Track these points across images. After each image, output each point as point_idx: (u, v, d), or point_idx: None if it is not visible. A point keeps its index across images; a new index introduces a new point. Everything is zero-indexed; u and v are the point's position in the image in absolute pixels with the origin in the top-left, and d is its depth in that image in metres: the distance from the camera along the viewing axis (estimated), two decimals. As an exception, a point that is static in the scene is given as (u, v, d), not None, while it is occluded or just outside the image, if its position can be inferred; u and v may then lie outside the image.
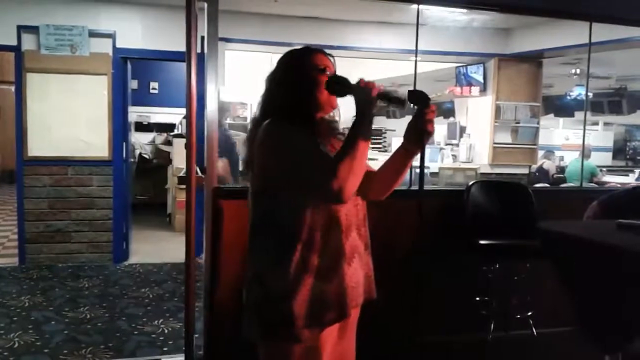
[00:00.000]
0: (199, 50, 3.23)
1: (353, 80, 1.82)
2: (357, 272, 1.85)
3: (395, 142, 7.41)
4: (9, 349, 3.70)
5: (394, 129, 11.28)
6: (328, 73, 1.85)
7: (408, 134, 1.81)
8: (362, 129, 1.70)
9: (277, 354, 1.81)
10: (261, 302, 1.78)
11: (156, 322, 4.28)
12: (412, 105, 1.83)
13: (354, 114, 1.74)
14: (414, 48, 4.04)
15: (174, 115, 9.58)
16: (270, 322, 1.78)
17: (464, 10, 5.34)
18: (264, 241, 1.80)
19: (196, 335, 3.24)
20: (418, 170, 1.92)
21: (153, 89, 9.89)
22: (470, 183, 3.77)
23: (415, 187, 4.06)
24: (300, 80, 1.82)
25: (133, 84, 7.85)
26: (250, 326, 1.83)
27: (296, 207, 1.74)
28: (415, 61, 3.98)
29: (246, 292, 1.85)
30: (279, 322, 1.75)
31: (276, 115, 1.78)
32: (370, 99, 1.71)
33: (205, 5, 3.27)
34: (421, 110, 1.76)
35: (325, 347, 1.83)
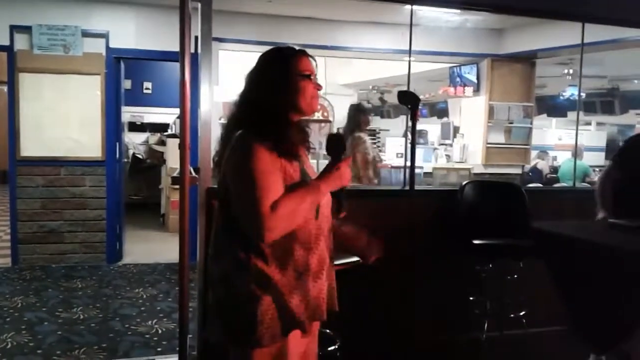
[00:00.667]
0: (192, 50, 3.22)
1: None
2: (323, 286, 1.87)
3: (390, 142, 7.42)
4: (1, 350, 3.69)
5: (388, 129, 11.32)
6: (312, 76, 1.85)
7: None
8: (322, 189, 1.78)
9: (241, 357, 1.82)
10: (225, 304, 1.80)
11: (150, 322, 4.27)
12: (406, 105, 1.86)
13: (326, 166, 1.83)
14: (408, 48, 4.05)
15: (167, 115, 9.56)
16: (232, 325, 1.79)
17: (457, 11, 5.36)
18: (230, 243, 1.80)
19: (190, 336, 3.23)
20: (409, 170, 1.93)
21: (146, 89, 9.87)
22: (464, 183, 3.78)
23: (407, 188, 4.08)
24: (283, 81, 1.82)
25: (126, 84, 7.85)
26: (214, 327, 1.85)
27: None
28: (409, 61, 3.98)
29: (213, 293, 1.85)
30: (241, 326, 1.76)
31: (251, 124, 1.77)
32: (343, 183, 1.81)
33: (199, 5, 3.26)
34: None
35: (291, 352, 1.83)
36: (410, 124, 1.94)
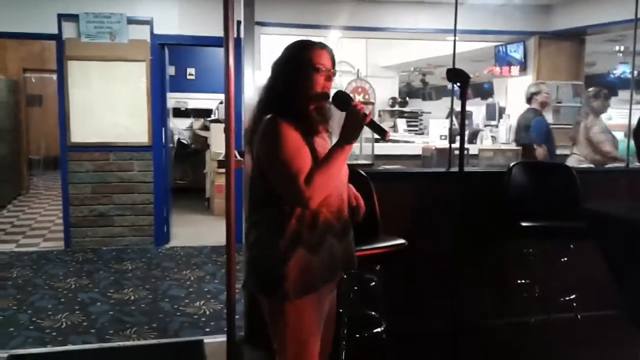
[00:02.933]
0: (235, 35, 3.23)
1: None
2: (344, 246, 2.11)
3: (433, 124, 7.31)
4: (57, 329, 3.83)
5: (430, 111, 11.17)
6: (323, 70, 2.02)
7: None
8: (343, 145, 1.95)
9: (273, 308, 2.08)
10: (259, 263, 2.08)
11: (198, 303, 4.36)
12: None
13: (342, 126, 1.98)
14: (451, 27, 3.96)
15: (210, 101, 9.67)
16: (265, 280, 2.06)
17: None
18: (265, 213, 2.06)
19: (237, 317, 3.29)
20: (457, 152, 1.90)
21: (190, 74, 9.99)
22: (512, 164, 3.70)
23: (454, 169, 4.02)
24: (296, 73, 2.02)
25: (170, 70, 7.94)
26: (251, 282, 2.15)
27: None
28: (454, 41, 3.90)
29: (249, 253, 2.12)
30: (272, 281, 2.01)
31: (276, 109, 1.99)
32: (360, 122, 1.94)
33: (242, -11, 3.26)
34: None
35: (316, 307, 2.07)
36: (459, 103, 1.92)
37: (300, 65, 2.02)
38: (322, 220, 2.00)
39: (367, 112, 1.96)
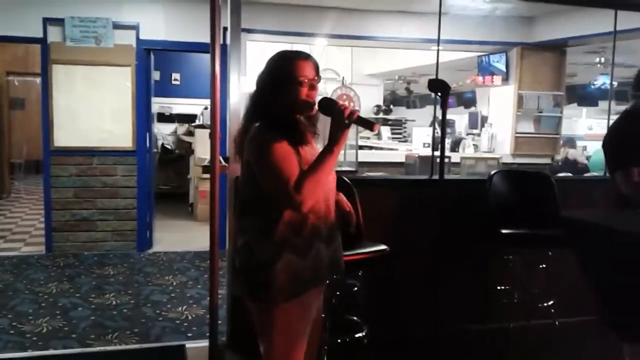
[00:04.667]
0: (221, 42, 3.26)
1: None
2: (332, 251, 2.14)
3: (416, 132, 7.39)
4: (37, 334, 3.80)
5: (414, 119, 11.28)
6: (305, 81, 2.06)
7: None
8: (332, 147, 1.98)
9: (260, 312, 2.12)
10: (246, 267, 2.10)
11: (180, 308, 4.36)
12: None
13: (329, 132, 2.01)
14: (436, 37, 4.03)
15: (195, 106, 9.67)
16: (253, 284, 2.08)
17: (487, -1, 5.31)
18: (254, 217, 2.09)
19: (219, 322, 3.30)
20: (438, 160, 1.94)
21: (175, 80, 9.98)
22: (493, 172, 3.76)
23: (437, 177, 4.07)
24: (280, 87, 2.06)
25: (155, 75, 7.93)
26: (238, 286, 2.16)
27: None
28: (438, 50, 3.96)
29: (237, 257, 2.14)
30: (259, 285, 2.04)
31: (263, 118, 2.05)
32: (345, 121, 1.96)
33: (228, -4, 3.29)
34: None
35: (303, 312, 2.11)
36: (440, 112, 1.97)
37: (283, 79, 2.06)
38: (309, 226, 2.04)
39: (353, 110, 1.99)
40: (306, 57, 2.12)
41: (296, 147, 2.03)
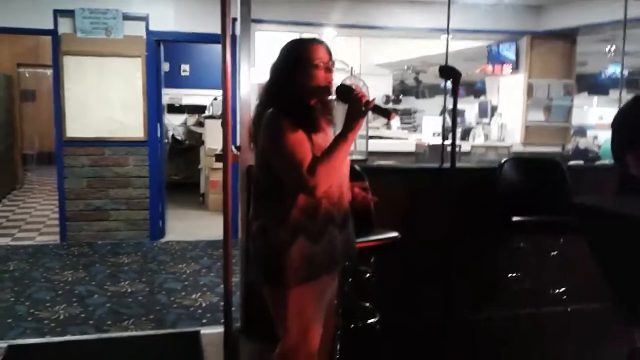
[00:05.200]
0: (231, 32, 3.28)
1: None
2: (345, 236, 2.19)
3: (426, 121, 7.39)
4: (55, 320, 3.88)
5: (423, 109, 11.25)
6: (321, 64, 2.08)
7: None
8: (346, 134, 2.01)
9: (275, 296, 2.15)
10: (263, 252, 2.13)
11: (194, 296, 4.41)
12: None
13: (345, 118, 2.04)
14: (445, 27, 4.03)
15: (204, 97, 9.69)
16: (267, 269, 2.12)
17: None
18: (268, 204, 2.12)
19: (233, 309, 3.34)
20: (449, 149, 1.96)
21: (184, 71, 10.01)
22: (503, 160, 3.77)
23: (447, 165, 4.09)
24: (297, 70, 2.08)
25: (165, 67, 7.96)
26: (253, 271, 2.20)
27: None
28: (447, 39, 3.97)
29: (251, 243, 2.19)
30: (274, 269, 2.08)
31: (277, 106, 2.05)
32: (362, 109, 1.99)
33: (239, -14, 3.31)
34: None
35: (317, 296, 2.15)
36: (450, 101, 1.99)
37: (298, 63, 2.08)
38: (323, 211, 2.07)
39: (369, 99, 2.02)
40: (319, 41, 2.15)
41: (309, 133, 2.05)
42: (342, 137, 2.02)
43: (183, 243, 5.99)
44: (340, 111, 2.20)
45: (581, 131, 9.27)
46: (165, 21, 5.94)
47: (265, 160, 2.10)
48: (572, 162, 4.96)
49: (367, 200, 2.36)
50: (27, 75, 11.20)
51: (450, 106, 4.57)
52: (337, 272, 2.29)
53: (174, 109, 9.82)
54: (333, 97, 2.14)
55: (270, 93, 2.12)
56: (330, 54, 2.15)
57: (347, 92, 2.05)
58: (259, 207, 2.17)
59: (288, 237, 2.05)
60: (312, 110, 2.11)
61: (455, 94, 1.96)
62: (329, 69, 2.11)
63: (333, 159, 2.00)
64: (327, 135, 2.16)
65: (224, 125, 3.15)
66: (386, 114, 2.09)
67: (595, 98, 12.56)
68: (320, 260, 2.09)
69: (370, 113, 2.04)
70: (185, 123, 9.90)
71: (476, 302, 3.70)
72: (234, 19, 3.37)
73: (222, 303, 3.93)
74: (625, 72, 9.23)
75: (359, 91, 2.02)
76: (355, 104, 1.99)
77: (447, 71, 1.83)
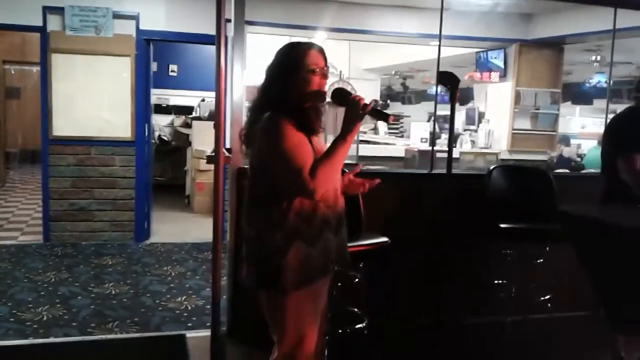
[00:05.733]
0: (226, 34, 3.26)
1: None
2: (339, 240, 2.18)
3: (414, 127, 7.42)
4: (38, 322, 3.82)
5: (409, 115, 11.31)
6: (317, 70, 2.09)
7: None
8: (346, 136, 2.02)
9: (272, 301, 2.15)
10: (258, 256, 2.12)
11: (179, 298, 4.38)
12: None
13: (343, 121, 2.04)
14: (435, 33, 4.05)
15: (192, 98, 9.65)
16: (264, 273, 2.11)
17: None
18: (265, 208, 2.09)
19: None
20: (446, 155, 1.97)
21: (172, 71, 9.96)
22: (492, 167, 3.79)
23: (436, 171, 4.11)
24: (293, 75, 2.08)
25: (153, 66, 7.92)
26: (249, 276, 2.18)
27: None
28: (439, 46, 3.99)
29: (247, 248, 2.18)
30: (271, 274, 2.07)
31: (276, 109, 2.04)
32: (360, 112, 2.00)
33: (232, -12, 3.30)
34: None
35: (313, 300, 2.15)
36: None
37: (295, 68, 2.08)
38: (319, 215, 2.07)
39: (367, 102, 2.03)
40: (316, 46, 2.15)
41: (308, 136, 2.06)
42: (341, 139, 2.02)
43: (168, 245, 5.94)
44: (331, 115, 2.20)
45: (565, 140, 9.37)
46: (156, 20, 5.90)
47: (263, 163, 2.08)
48: (558, 171, 5.00)
49: (364, 184, 2.30)
50: (12, 72, 11.05)
51: (438, 112, 4.58)
52: (330, 277, 2.28)
53: (161, 109, 9.75)
54: (327, 101, 2.14)
55: (268, 96, 2.11)
56: (325, 59, 2.16)
57: (343, 95, 2.06)
58: (254, 211, 2.15)
59: (285, 241, 2.04)
60: (310, 114, 2.11)
61: (453, 100, 1.97)
62: (324, 75, 2.12)
63: (333, 161, 2.01)
64: (320, 140, 2.17)
65: (217, 127, 3.14)
66: (384, 116, 2.10)
67: (578, 107, 12.72)
68: (317, 263, 2.09)
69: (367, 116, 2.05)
70: (172, 124, 9.83)
71: (463, 308, 3.71)
72: (227, 20, 3.36)
73: (207, 306, 3.93)
74: (612, 82, 9.34)
75: (355, 95, 2.03)
76: (354, 106, 2.00)
77: (446, 77, 1.83)
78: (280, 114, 2.03)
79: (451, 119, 2.02)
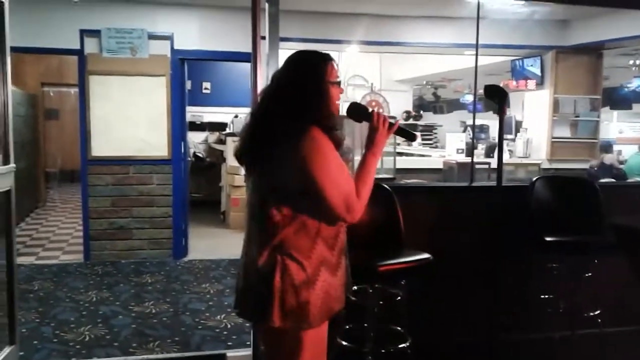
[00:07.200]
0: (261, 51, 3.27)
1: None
2: (348, 265, 2.04)
3: (449, 138, 7.32)
4: (80, 342, 3.85)
5: (441, 124, 11.20)
6: (339, 82, 1.99)
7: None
8: (374, 152, 1.96)
9: (291, 337, 1.91)
10: (284, 288, 1.86)
11: (219, 317, 4.37)
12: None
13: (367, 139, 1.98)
14: (470, 42, 3.99)
15: (225, 115, 9.75)
16: (288, 307, 1.86)
17: (522, 3, 5.24)
18: (290, 236, 1.88)
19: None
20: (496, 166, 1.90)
21: (205, 89, 10.10)
22: (534, 178, 3.70)
23: (477, 184, 4.03)
24: (315, 88, 1.92)
25: (187, 85, 8.03)
26: (265, 309, 1.87)
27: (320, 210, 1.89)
28: (476, 55, 3.92)
29: (265, 279, 1.87)
30: (297, 308, 1.86)
31: (310, 124, 1.84)
32: (385, 132, 1.94)
33: (267, 5, 3.30)
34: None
35: (325, 334, 2.00)
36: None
37: (321, 80, 1.94)
38: (340, 240, 1.97)
39: (393, 122, 1.97)
40: (332, 58, 2.03)
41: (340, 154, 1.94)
42: (370, 155, 1.95)
43: (206, 262, 5.96)
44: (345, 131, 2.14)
45: (606, 146, 9.14)
46: (190, 40, 5.98)
47: (293, 185, 1.85)
48: (603, 180, 4.86)
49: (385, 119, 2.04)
50: (51, 94, 11.35)
51: (474, 121, 4.49)
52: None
53: (195, 126, 9.88)
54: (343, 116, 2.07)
55: (294, 109, 1.88)
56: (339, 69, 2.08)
57: (360, 112, 2.01)
58: (272, 237, 1.89)
59: (312, 271, 1.87)
60: (336, 128, 1.94)
61: (501, 114, 1.91)
62: (340, 88, 2.03)
63: (369, 179, 1.93)
64: None
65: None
66: (410, 136, 2.05)
67: (616, 113, 12.42)
68: (338, 293, 1.97)
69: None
70: (206, 140, 9.94)
71: (509, 324, 3.61)
72: (262, 37, 3.36)
73: (247, 324, 3.90)
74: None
75: (376, 113, 1.95)
76: (378, 124, 1.94)
77: (493, 91, 1.77)
78: (313, 126, 1.84)
79: (500, 132, 1.95)
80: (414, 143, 9.99)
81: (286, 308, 1.86)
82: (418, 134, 1.94)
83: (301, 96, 1.90)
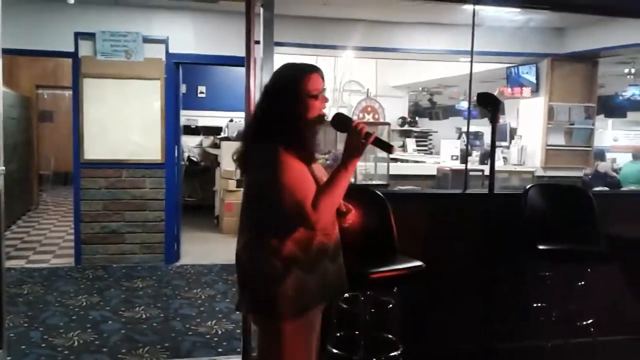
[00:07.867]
0: (255, 55, 3.25)
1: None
2: (337, 268, 2.15)
3: (444, 144, 7.31)
4: (69, 348, 3.80)
5: (437, 131, 11.21)
6: (319, 95, 2.04)
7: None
8: (347, 166, 1.99)
9: (267, 330, 2.11)
10: (254, 284, 2.08)
11: (210, 322, 4.33)
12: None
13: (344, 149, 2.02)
14: (465, 49, 3.99)
15: (220, 119, 9.73)
16: (260, 300, 2.06)
17: (518, 10, 5.24)
18: (262, 235, 2.04)
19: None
20: (488, 173, 1.89)
21: (200, 92, 10.08)
22: (528, 186, 3.68)
23: (471, 191, 4.01)
24: (293, 100, 2.01)
25: (182, 88, 8.01)
26: (245, 302, 2.13)
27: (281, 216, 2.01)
28: (471, 62, 3.92)
29: (244, 274, 2.13)
30: (267, 301, 2.03)
31: (273, 136, 1.99)
32: (362, 142, 1.97)
33: (261, 10, 3.29)
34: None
35: (310, 328, 2.12)
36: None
37: (296, 94, 2.01)
38: (317, 243, 2.04)
39: (370, 132, 1.98)
40: (316, 69, 2.09)
41: (309, 165, 2.04)
42: (342, 169, 1.99)
43: (198, 267, 5.93)
44: (333, 139, 2.16)
45: (600, 154, 9.15)
46: (185, 43, 5.96)
47: (262, 193, 2.04)
48: (597, 189, 4.85)
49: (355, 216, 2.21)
50: (45, 96, 11.30)
51: (471, 128, 4.46)
52: (324, 306, 2.23)
53: (189, 130, 9.86)
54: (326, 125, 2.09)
55: (266, 122, 2.03)
56: (324, 80, 2.10)
57: (344, 122, 2.03)
58: (252, 237, 2.09)
59: (282, 269, 2.00)
60: (310, 142, 2.06)
61: (494, 122, 1.90)
62: (324, 98, 2.08)
63: (334, 192, 1.98)
64: (319, 167, 2.14)
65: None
66: (387, 147, 2.06)
67: (610, 121, 12.47)
68: (314, 292, 2.05)
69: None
70: (200, 144, 9.92)
71: (502, 333, 3.59)
72: (256, 42, 3.34)
73: (238, 331, 3.87)
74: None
75: (357, 123, 1.98)
76: (357, 136, 1.96)
77: (487, 99, 1.76)
78: (280, 145, 1.97)
79: (492, 141, 1.94)
80: (409, 149, 10.01)
81: (257, 300, 2.07)
82: (395, 144, 1.94)
83: (272, 117, 2.02)
